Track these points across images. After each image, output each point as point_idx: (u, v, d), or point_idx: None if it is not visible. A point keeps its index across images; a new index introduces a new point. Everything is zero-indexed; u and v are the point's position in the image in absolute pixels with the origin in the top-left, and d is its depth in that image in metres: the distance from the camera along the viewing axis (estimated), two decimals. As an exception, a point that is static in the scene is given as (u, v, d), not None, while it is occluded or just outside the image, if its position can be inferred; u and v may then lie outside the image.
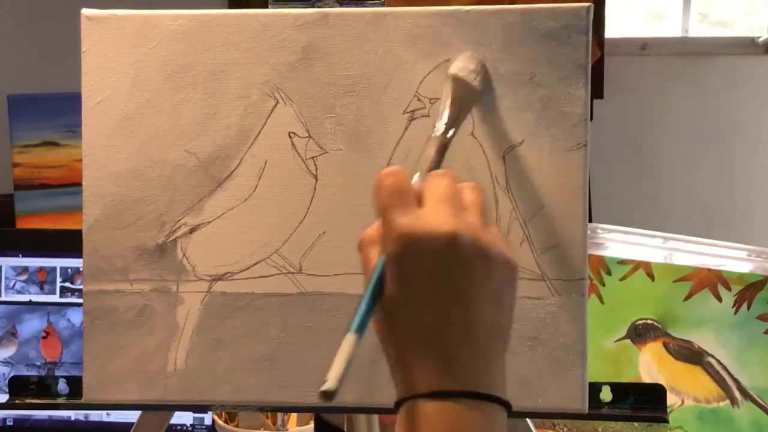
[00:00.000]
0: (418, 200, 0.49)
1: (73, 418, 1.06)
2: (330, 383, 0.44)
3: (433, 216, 0.48)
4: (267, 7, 0.65)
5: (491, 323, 0.48)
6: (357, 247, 0.50)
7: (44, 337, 1.07)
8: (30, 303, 1.07)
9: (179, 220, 0.63)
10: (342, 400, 0.62)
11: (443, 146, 0.55)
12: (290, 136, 0.63)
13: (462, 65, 0.60)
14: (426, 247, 0.47)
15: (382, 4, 0.65)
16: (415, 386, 0.46)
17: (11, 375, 0.69)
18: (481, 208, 0.50)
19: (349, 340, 0.46)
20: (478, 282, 0.47)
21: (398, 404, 0.47)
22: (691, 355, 0.91)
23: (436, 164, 0.54)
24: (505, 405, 0.47)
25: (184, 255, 0.63)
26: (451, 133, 0.56)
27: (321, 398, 0.44)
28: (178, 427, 1.04)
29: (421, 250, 0.47)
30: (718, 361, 0.91)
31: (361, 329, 0.46)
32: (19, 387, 0.68)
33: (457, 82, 0.59)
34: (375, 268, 0.48)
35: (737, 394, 0.90)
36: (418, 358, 0.47)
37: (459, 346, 0.46)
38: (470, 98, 0.59)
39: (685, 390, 0.92)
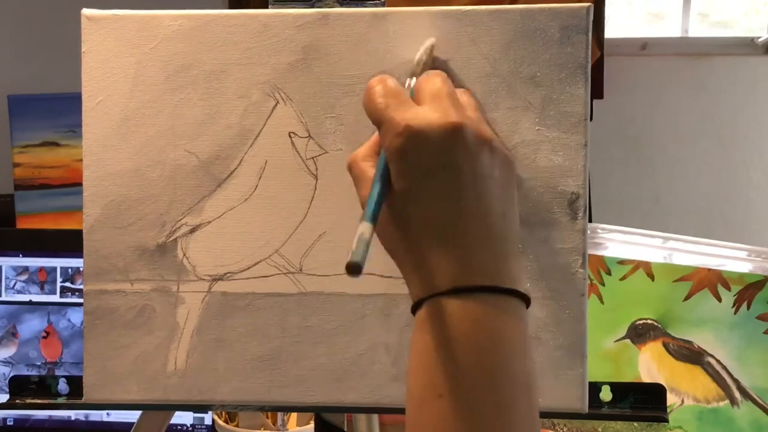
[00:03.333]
0: (415, 100, 0.49)
1: (73, 418, 1.06)
2: (354, 256, 0.44)
3: (434, 109, 0.47)
4: (267, 7, 0.65)
5: (503, 214, 0.47)
6: (347, 167, 0.50)
7: (44, 337, 1.07)
8: (30, 303, 1.07)
9: (180, 220, 0.63)
10: (342, 399, 0.63)
11: (430, 49, 0.57)
12: (290, 136, 0.63)
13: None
14: (431, 139, 0.46)
15: (383, 4, 0.65)
16: (434, 285, 0.45)
17: (11, 375, 0.69)
18: (477, 108, 0.50)
19: (363, 226, 0.45)
20: (485, 171, 0.46)
21: (416, 306, 0.46)
22: (690, 355, 0.91)
23: (427, 67, 0.55)
24: (526, 299, 0.46)
25: (184, 255, 0.63)
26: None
27: (348, 272, 0.43)
28: (178, 427, 1.04)
29: (427, 142, 0.46)
30: (718, 361, 0.91)
31: (374, 219, 0.46)
32: (19, 387, 0.68)
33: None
34: (377, 166, 0.47)
35: (737, 394, 0.90)
36: (435, 255, 0.45)
37: (475, 238, 0.45)
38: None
39: (685, 390, 0.92)
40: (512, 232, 0.47)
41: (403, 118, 0.47)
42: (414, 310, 0.46)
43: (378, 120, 0.49)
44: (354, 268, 0.43)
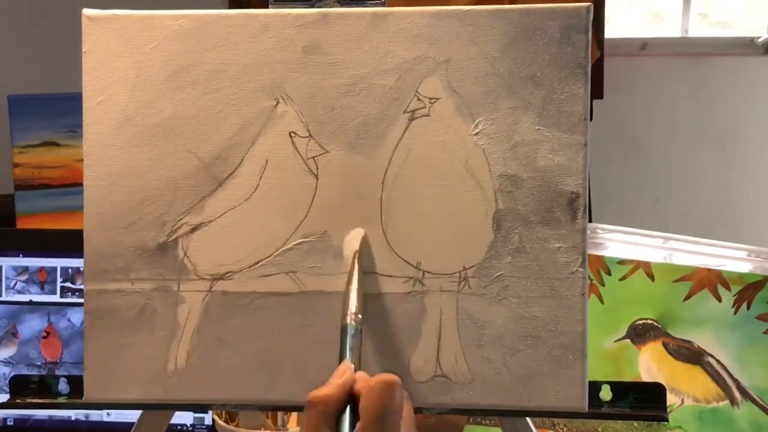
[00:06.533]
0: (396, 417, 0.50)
1: (73, 418, 1.06)
2: None
3: None
4: (267, 7, 0.65)
5: None
6: (306, 404, 0.50)
7: (45, 337, 1.07)
8: (30, 303, 1.07)
9: (180, 220, 0.64)
10: (342, 399, 0.63)
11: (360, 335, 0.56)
12: (291, 136, 0.63)
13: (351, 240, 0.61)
14: None
15: (383, 4, 0.65)
16: None
17: (12, 375, 0.69)
18: (412, 422, 0.52)
19: None
20: None
21: None
22: (690, 355, 0.91)
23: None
24: None
25: (185, 254, 0.63)
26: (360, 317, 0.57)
27: None
28: (178, 427, 1.04)
29: None
30: (718, 361, 0.91)
31: None
32: (19, 386, 0.68)
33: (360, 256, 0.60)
34: None
35: (737, 394, 0.90)
36: None
37: None
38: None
39: (685, 390, 0.92)
40: None
41: None
42: None
43: (376, 419, 0.50)
44: None
